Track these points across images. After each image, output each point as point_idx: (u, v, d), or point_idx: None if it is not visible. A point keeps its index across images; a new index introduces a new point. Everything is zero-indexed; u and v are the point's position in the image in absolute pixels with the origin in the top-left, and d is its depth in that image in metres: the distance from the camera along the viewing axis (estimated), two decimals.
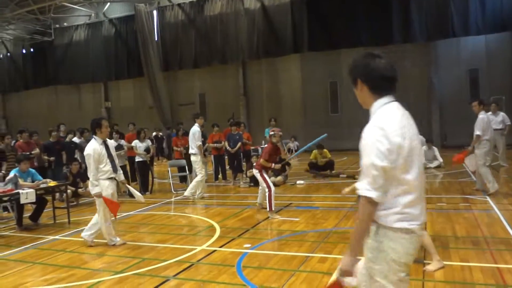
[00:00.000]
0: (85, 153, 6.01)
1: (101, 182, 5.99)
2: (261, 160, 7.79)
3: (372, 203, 2.06)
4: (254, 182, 10.01)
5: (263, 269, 4.78)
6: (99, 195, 5.94)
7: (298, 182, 11.18)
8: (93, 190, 5.94)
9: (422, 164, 2.21)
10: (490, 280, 4.15)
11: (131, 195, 10.46)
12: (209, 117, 21.38)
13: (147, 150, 10.88)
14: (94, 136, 6.11)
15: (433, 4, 17.66)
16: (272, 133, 8.08)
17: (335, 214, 7.33)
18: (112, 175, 6.10)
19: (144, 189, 10.85)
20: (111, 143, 6.42)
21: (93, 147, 5.95)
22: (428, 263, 4.58)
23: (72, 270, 5.17)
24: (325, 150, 12.36)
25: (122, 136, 11.24)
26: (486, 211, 7.01)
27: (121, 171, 6.42)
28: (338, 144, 18.35)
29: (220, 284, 4.42)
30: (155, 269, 5.03)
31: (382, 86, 2.17)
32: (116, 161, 6.28)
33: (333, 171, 12.15)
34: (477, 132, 8.24)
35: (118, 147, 10.70)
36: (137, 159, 10.81)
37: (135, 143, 10.79)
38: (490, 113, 12.03)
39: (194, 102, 23.71)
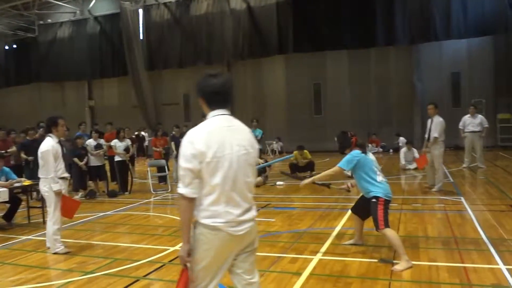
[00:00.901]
0: (42, 150, 5.76)
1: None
2: None
3: (185, 198, 2.41)
4: None
5: None
6: (59, 192, 5.79)
7: (278, 183, 11.14)
8: (54, 187, 5.74)
9: (237, 173, 2.45)
10: (455, 279, 4.22)
11: (110, 195, 10.51)
12: (193, 118, 21.36)
13: (126, 149, 10.84)
14: (49, 134, 5.92)
15: (416, 7, 17.89)
16: None
17: (311, 215, 7.37)
18: (64, 174, 6.01)
19: (123, 188, 10.81)
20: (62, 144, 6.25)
21: (51, 143, 5.80)
22: (397, 263, 4.64)
23: (42, 271, 5.12)
24: (305, 151, 12.38)
25: (101, 135, 11.17)
26: (460, 212, 7.12)
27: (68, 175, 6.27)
28: (321, 145, 18.47)
29: None
30: (126, 269, 4.99)
31: (212, 100, 2.55)
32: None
33: (313, 172, 12.18)
34: (435, 134, 8.67)
35: (98, 146, 10.65)
36: (116, 158, 10.77)
37: (115, 142, 10.75)
38: (468, 115, 12.28)
39: (178, 102, 23.62)
